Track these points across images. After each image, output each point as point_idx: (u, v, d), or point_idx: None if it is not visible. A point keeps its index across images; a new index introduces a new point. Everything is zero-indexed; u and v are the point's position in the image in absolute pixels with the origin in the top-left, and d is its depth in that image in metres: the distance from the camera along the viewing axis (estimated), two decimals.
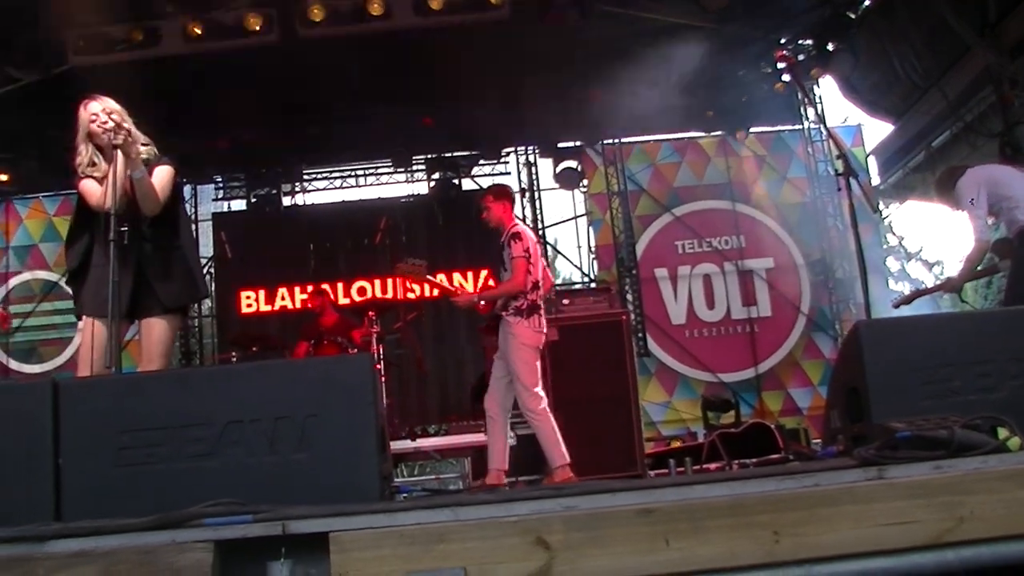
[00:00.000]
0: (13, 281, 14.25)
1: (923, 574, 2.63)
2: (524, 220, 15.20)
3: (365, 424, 3.29)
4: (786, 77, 12.88)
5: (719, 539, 2.53)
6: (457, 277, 13.56)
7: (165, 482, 3.22)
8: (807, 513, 2.58)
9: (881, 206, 16.26)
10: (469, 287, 12.94)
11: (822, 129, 13.99)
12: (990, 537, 2.61)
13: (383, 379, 8.86)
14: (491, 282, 7.28)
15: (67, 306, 13.29)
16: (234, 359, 10.38)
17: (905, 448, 2.98)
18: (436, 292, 12.29)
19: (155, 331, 5.04)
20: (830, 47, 12.22)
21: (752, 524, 2.55)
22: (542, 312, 7.05)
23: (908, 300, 8.02)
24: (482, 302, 7.09)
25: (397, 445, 9.53)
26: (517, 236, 7.07)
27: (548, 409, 6.89)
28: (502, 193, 7.47)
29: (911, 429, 3.07)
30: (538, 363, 6.99)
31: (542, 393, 6.91)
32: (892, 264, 26.04)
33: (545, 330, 7.07)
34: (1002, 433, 3.11)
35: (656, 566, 2.50)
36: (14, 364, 13.85)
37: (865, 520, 2.59)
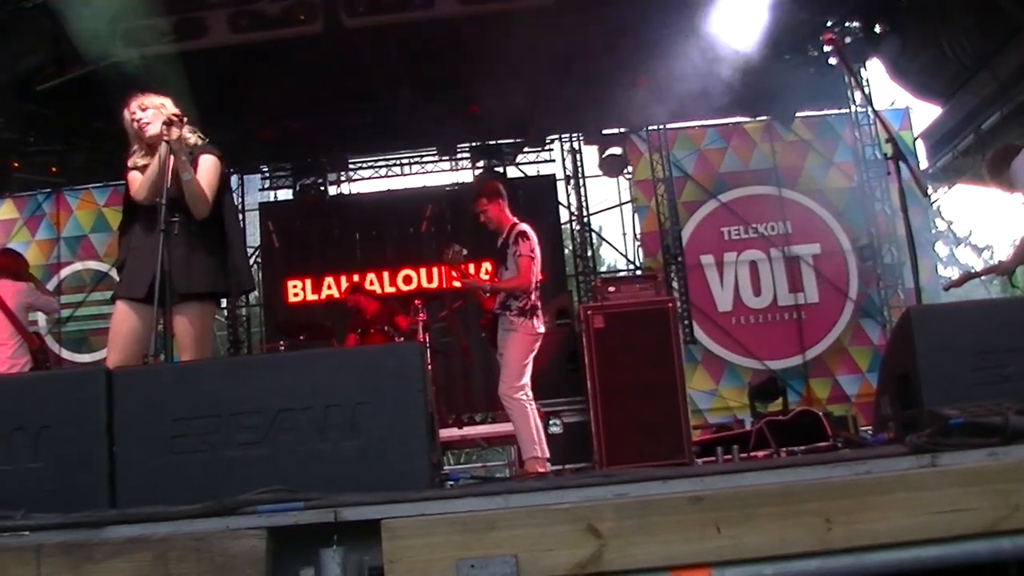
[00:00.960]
0: (64, 271, 14.47)
1: (977, 563, 2.61)
2: (568, 207, 15.20)
3: (415, 411, 3.31)
4: (833, 60, 12.74)
5: (770, 527, 2.52)
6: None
7: (217, 470, 3.26)
8: (859, 501, 2.56)
9: (930, 190, 16.02)
10: None
11: (869, 113, 13.81)
12: None
13: (430, 367, 8.89)
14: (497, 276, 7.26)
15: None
16: (282, 348, 10.46)
17: (957, 435, 2.94)
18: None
19: (179, 321, 5.09)
20: (877, 29, 12.10)
21: (803, 512, 2.54)
22: (540, 313, 7.09)
23: (958, 283, 7.92)
24: (488, 294, 7.10)
25: (444, 433, 9.59)
26: (524, 235, 7.11)
27: (529, 401, 6.92)
28: (494, 192, 7.46)
29: (963, 416, 3.04)
30: (530, 362, 7.00)
31: (527, 384, 6.93)
32: (941, 249, 25.69)
33: (542, 330, 7.10)
34: None
35: (707, 553, 2.50)
36: (66, 353, 14.07)
37: (917, 508, 2.57)
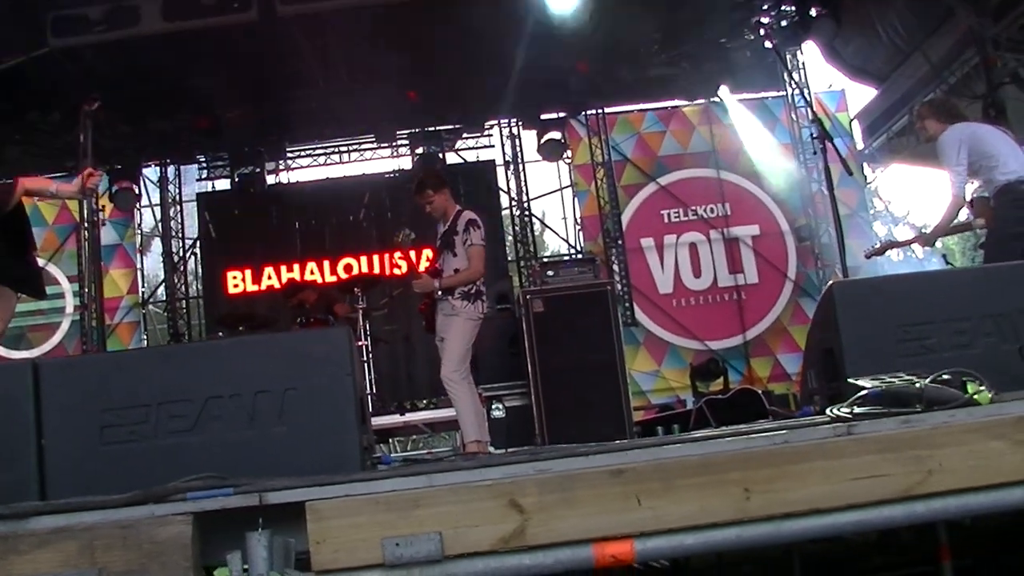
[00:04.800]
0: None
1: (894, 527, 2.68)
2: (508, 193, 15.20)
3: (343, 396, 3.33)
4: (768, 44, 12.86)
5: (691, 497, 2.57)
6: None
7: (148, 459, 3.26)
8: (777, 470, 2.62)
9: (867, 171, 16.25)
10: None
11: (805, 95, 13.97)
12: (959, 488, 2.65)
13: (370, 354, 8.88)
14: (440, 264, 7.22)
15: (55, 291, 13.34)
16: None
17: (875, 404, 3.02)
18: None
19: None
20: (812, 12, 12.21)
21: (723, 482, 2.59)
22: (484, 298, 7.10)
23: (880, 251, 8.03)
24: (440, 291, 7.07)
25: (386, 420, 9.58)
26: (475, 224, 7.10)
27: (470, 385, 6.94)
28: (439, 182, 7.43)
29: (882, 386, 3.11)
30: (471, 346, 7.03)
31: (468, 368, 6.95)
32: (879, 229, 26.06)
33: (483, 314, 7.12)
34: (972, 387, 3.14)
35: (628, 524, 2.54)
36: (3, 351, 13.83)
37: (835, 476, 2.63)
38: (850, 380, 3.41)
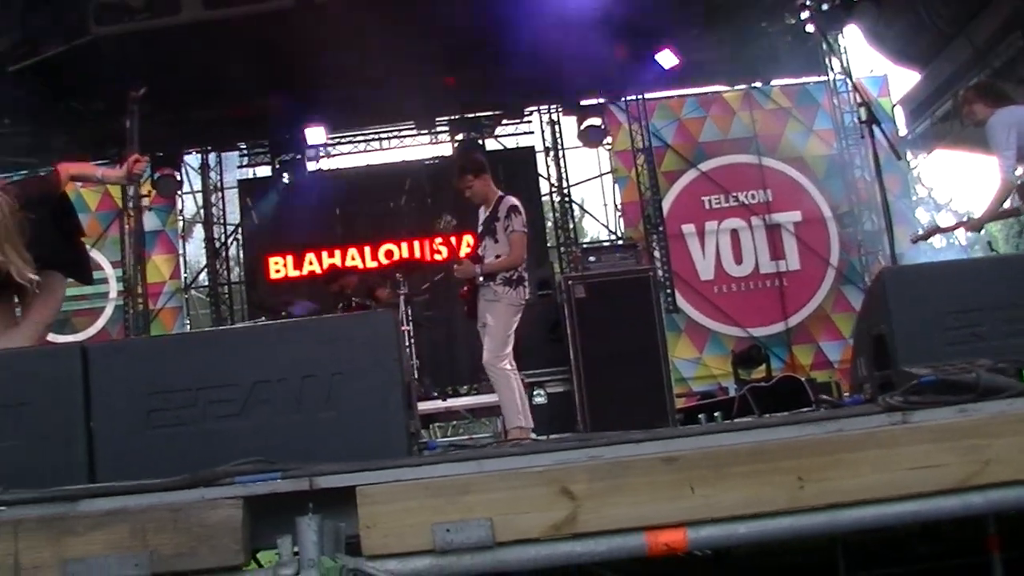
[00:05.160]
0: None
1: (949, 517, 2.64)
2: (548, 179, 15.16)
3: (390, 380, 3.31)
4: (810, 27, 12.73)
5: (743, 485, 2.55)
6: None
7: (195, 443, 3.26)
8: (830, 459, 2.59)
9: (909, 156, 16.04)
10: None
11: (847, 80, 13.81)
12: (1017, 479, 2.60)
13: (412, 339, 8.88)
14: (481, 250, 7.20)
15: (99, 276, 13.45)
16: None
17: (930, 393, 2.96)
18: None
19: None
20: None
21: (776, 470, 2.57)
22: (526, 284, 7.07)
23: (925, 236, 7.91)
24: (481, 277, 7.05)
25: (428, 405, 9.58)
26: (516, 210, 7.06)
27: (513, 370, 6.92)
28: (480, 167, 7.39)
29: (936, 374, 3.06)
30: (513, 331, 7.00)
31: (511, 354, 6.94)
32: (921, 215, 25.77)
33: (525, 300, 7.09)
34: None
35: (680, 513, 2.52)
36: (49, 335, 13.97)
37: (890, 465, 2.60)
38: (902, 368, 3.36)
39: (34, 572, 2.61)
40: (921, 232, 7.92)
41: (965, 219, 7.67)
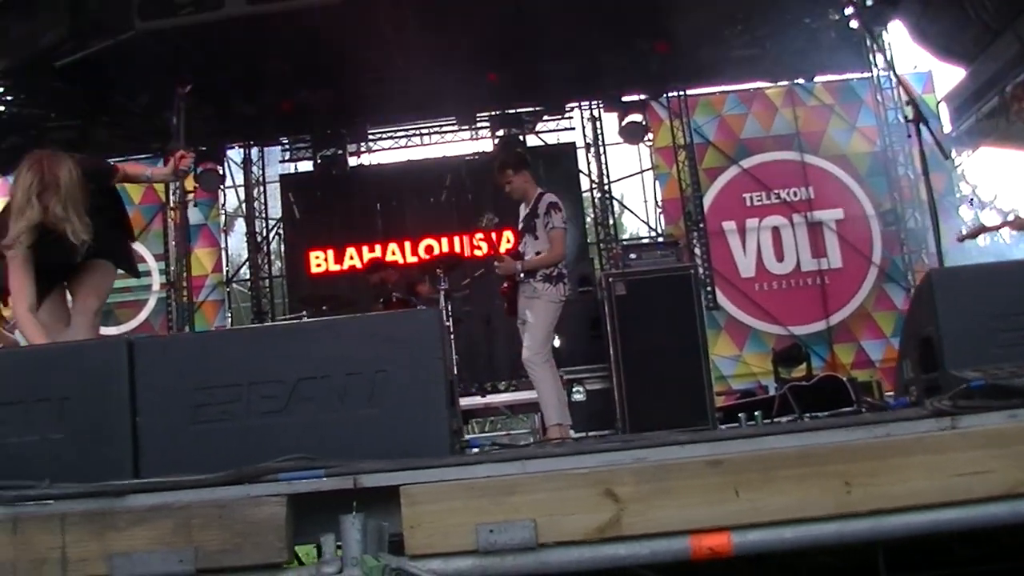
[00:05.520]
0: None
1: (998, 525, 2.60)
2: (589, 175, 15.14)
3: (434, 378, 3.31)
4: (854, 23, 12.60)
5: (790, 489, 2.52)
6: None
7: (239, 438, 3.27)
8: (879, 463, 2.56)
9: (953, 154, 15.84)
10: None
11: (891, 76, 13.66)
12: None
13: (452, 335, 8.89)
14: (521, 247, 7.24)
15: (142, 269, 13.58)
16: (304, 319, 10.47)
17: (979, 397, 2.92)
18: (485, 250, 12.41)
19: None
20: None
21: (823, 474, 2.54)
22: (566, 280, 7.08)
23: (971, 235, 7.83)
24: (522, 274, 7.06)
25: (467, 401, 9.61)
26: (556, 206, 7.08)
27: (552, 367, 6.92)
28: (520, 162, 7.41)
29: (985, 378, 3.02)
30: (552, 328, 7.02)
31: (548, 351, 6.95)
32: (965, 213, 25.45)
33: (565, 296, 7.09)
34: None
35: (726, 516, 2.50)
36: None
37: (938, 471, 2.56)
38: (950, 371, 3.32)
39: (81, 566, 2.64)
40: (966, 231, 7.84)
41: (1011, 217, 7.55)
